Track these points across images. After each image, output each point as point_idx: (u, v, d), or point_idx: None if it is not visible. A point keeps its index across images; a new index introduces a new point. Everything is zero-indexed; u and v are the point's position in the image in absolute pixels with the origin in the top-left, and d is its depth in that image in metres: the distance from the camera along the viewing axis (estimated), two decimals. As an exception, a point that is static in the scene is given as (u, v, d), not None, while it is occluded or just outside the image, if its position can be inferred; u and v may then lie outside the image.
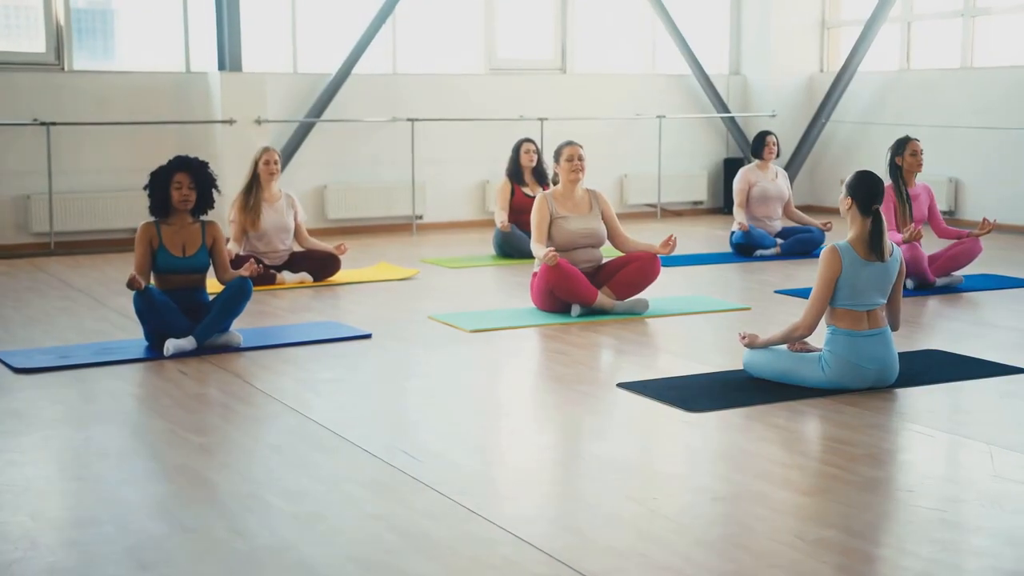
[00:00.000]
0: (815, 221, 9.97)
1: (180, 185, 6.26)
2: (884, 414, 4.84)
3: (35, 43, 10.65)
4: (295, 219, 8.56)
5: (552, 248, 6.98)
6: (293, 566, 3.30)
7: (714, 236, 11.32)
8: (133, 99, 10.81)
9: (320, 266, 8.48)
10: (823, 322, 5.27)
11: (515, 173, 9.81)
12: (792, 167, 13.49)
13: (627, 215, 12.97)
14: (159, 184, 6.29)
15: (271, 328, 6.78)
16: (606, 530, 3.56)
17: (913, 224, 7.80)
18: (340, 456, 4.33)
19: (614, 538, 3.49)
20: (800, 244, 9.76)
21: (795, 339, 5.32)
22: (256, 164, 8.44)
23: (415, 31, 12.30)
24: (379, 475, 4.11)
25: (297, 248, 8.63)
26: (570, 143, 7.42)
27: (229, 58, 10.87)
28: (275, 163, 8.44)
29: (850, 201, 5.29)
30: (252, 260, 6.32)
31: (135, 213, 10.76)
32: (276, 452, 4.40)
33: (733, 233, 9.81)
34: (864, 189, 5.27)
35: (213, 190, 6.38)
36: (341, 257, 8.59)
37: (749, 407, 4.97)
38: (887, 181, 8.14)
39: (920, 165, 8.11)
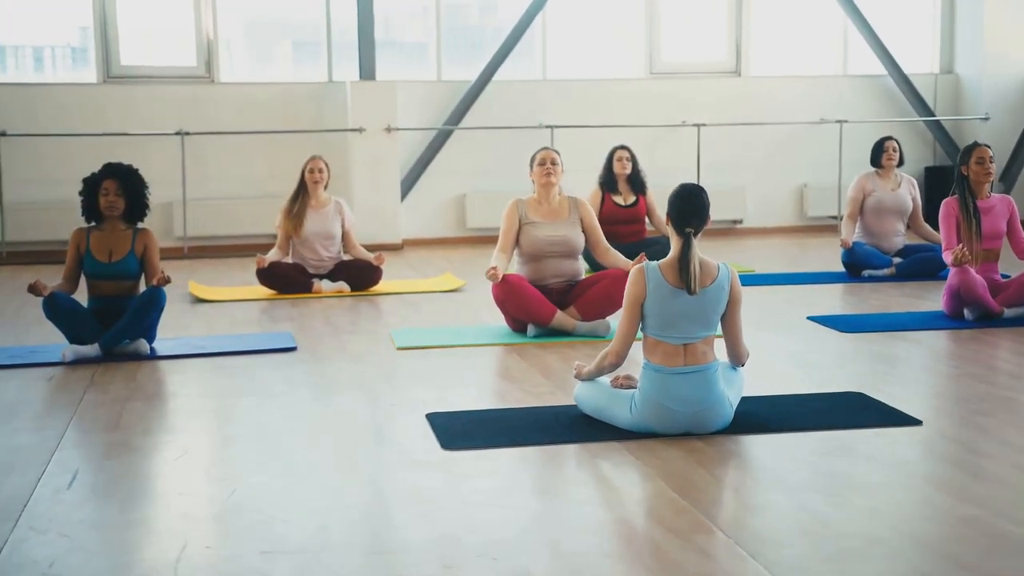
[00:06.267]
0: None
1: (107, 192, 6.31)
2: (651, 465, 4.09)
3: (187, 56, 11.15)
4: (343, 226, 8.45)
5: (495, 266, 6.47)
6: None
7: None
8: (274, 109, 11.08)
9: (358, 276, 8.33)
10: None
11: (608, 182, 9.24)
12: (1008, 177, 11.99)
13: (808, 228, 11.98)
14: (89, 191, 6.37)
15: (206, 338, 6.67)
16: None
17: (961, 245, 6.69)
18: (45, 476, 4.12)
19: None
20: (920, 264, 8.57)
21: (605, 368, 4.64)
22: (303, 172, 8.43)
23: (568, 36, 11.89)
24: (40, 505, 3.80)
25: (346, 256, 8.53)
26: (544, 148, 6.97)
27: (363, 67, 10.96)
28: (320, 171, 8.39)
29: (666, 218, 4.55)
30: (162, 272, 6.26)
31: (267, 219, 11.07)
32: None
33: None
34: (677, 206, 4.51)
35: (145, 197, 6.39)
36: (382, 267, 8.42)
37: (515, 448, 4.37)
38: (954, 192, 7.05)
39: (989, 174, 6.95)
